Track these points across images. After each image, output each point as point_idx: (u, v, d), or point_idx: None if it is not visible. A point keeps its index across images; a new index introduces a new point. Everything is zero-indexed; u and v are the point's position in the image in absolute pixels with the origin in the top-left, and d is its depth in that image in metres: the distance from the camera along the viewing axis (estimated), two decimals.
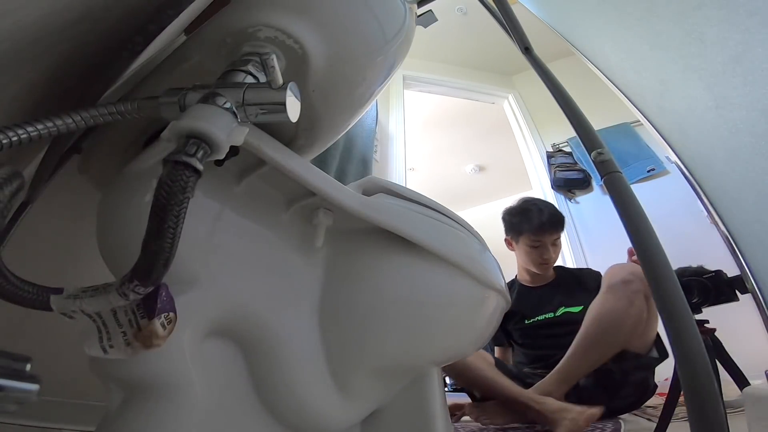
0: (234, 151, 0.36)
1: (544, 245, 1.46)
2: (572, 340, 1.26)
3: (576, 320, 1.29)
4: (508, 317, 1.35)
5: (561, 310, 1.39)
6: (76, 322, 0.34)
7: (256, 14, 0.40)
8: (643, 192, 1.96)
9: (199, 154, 0.29)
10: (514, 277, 1.58)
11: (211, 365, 0.45)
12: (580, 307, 1.33)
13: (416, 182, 3.47)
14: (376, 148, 2.15)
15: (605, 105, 1.49)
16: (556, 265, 1.53)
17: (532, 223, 1.47)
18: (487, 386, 1.16)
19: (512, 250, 1.56)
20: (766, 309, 0.79)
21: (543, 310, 1.41)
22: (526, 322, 1.41)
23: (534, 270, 1.49)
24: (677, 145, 0.97)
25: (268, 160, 0.44)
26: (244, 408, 0.50)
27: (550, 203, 1.74)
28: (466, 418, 1.31)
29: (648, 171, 2.10)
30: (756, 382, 0.85)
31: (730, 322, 0.92)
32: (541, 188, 2.58)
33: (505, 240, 1.58)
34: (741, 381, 0.72)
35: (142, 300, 0.34)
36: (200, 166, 0.29)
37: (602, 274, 1.35)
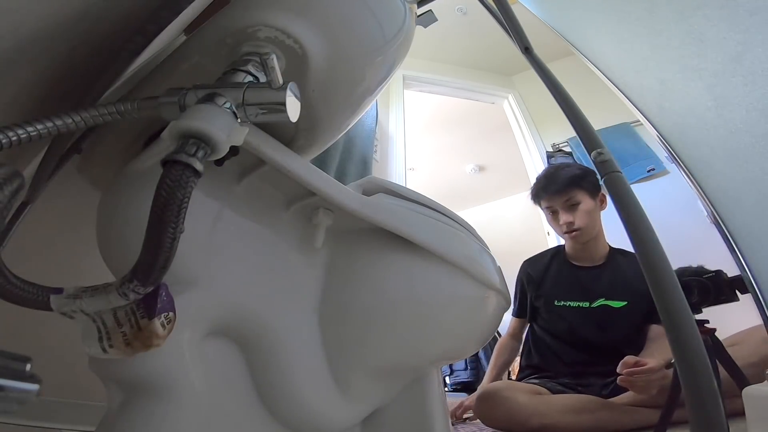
0: (234, 151, 0.36)
1: (555, 210, 1.30)
2: (603, 335, 1.15)
3: (613, 316, 1.17)
4: (540, 296, 1.29)
5: (599, 302, 1.20)
6: (76, 322, 0.34)
7: (256, 14, 0.40)
8: (643, 192, 1.96)
9: (199, 154, 0.29)
10: (561, 244, 1.40)
11: (211, 365, 0.45)
12: (623, 303, 1.17)
13: (416, 182, 3.47)
14: (376, 148, 2.15)
15: (605, 105, 1.49)
16: (615, 247, 1.31)
17: (534, 190, 1.34)
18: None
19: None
20: (766, 309, 0.79)
21: (578, 297, 1.23)
22: (555, 303, 1.26)
23: (566, 241, 1.33)
24: (677, 145, 0.97)
25: (267, 160, 0.44)
26: (244, 408, 0.50)
27: (563, 164, 1.58)
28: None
29: (648, 171, 2.10)
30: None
31: (730, 322, 0.92)
32: None
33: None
34: (741, 381, 0.72)
35: (142, 300, 0.34)
36: (200, 166, 0.29)
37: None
